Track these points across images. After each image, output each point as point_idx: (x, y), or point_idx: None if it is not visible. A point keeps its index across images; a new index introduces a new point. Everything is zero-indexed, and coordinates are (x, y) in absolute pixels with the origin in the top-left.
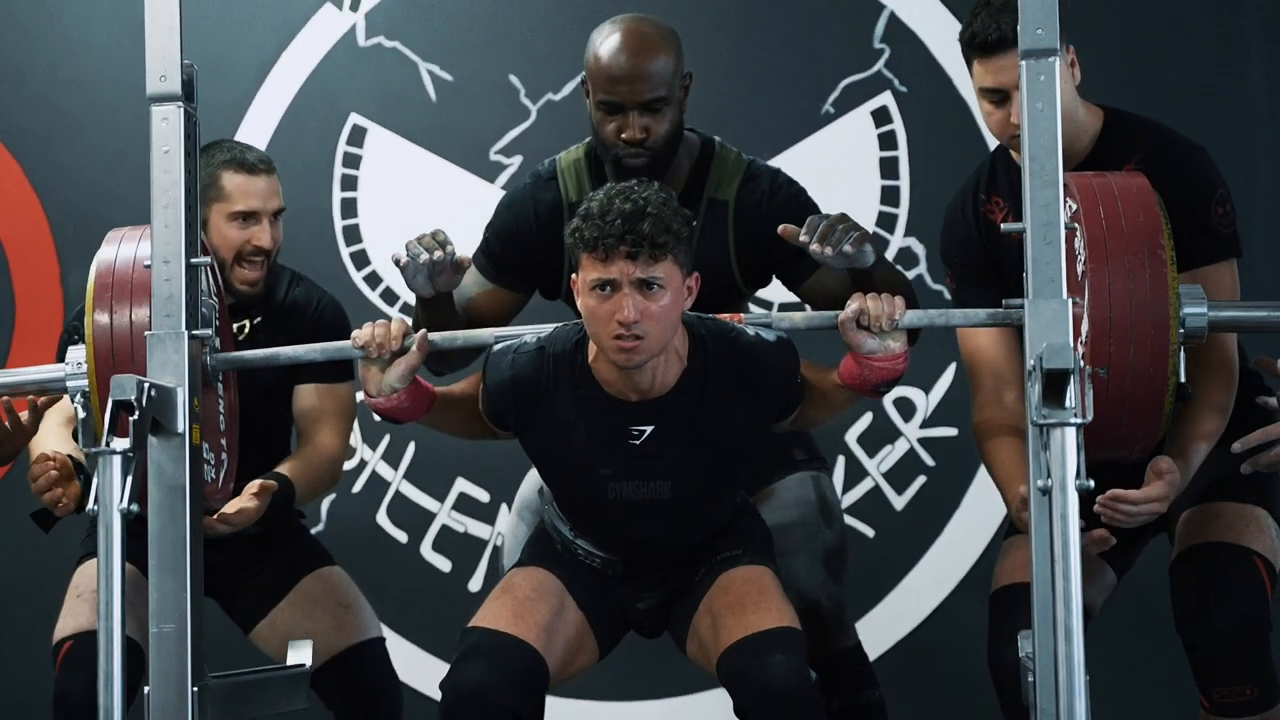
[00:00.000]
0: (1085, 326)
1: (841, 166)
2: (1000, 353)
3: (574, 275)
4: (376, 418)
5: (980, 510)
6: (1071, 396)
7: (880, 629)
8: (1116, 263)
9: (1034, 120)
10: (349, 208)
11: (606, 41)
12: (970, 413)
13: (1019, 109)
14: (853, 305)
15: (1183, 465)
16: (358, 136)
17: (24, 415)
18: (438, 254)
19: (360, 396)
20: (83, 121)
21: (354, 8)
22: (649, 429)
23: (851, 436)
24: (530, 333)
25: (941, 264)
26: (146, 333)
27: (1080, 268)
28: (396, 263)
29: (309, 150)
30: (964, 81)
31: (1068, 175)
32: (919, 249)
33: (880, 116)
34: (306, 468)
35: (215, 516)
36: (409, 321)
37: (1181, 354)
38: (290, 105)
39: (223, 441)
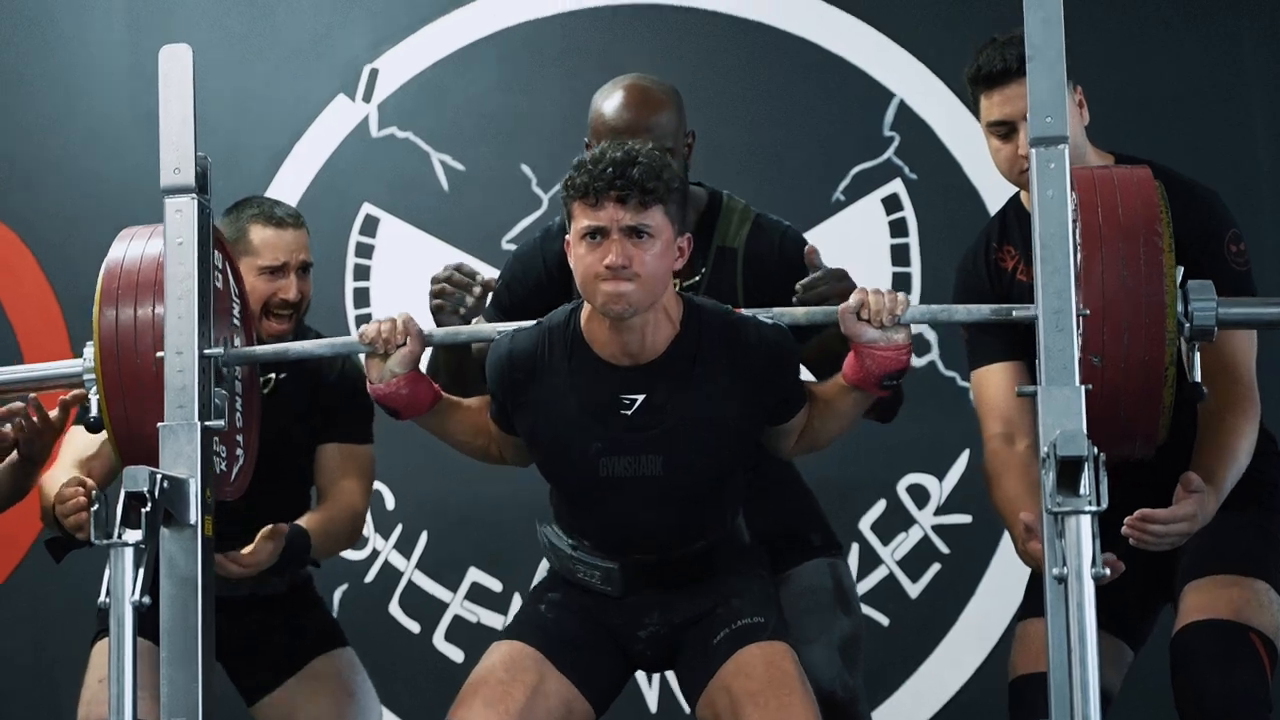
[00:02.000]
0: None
1: (853, 253)
2: (1012, 401)
3: (567, 238)
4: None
5: (996, 598)
6: (1086, 484)
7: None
8: (1111, 249)
9: (1044, 207)
10: (361, 297)
11: (610, 98)
12: (984, 498)
13: (1026, 139)
14: (854, 297)
15: (1211, 491)
16: (370, 226)
17: (53, 413)
18: (476, 291)
19: None
20: (97, 212)
21: (367, 99)
22: (640, 398)
23: (865, 524)
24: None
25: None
26: (160, 424)
27: (1076, 257)
28: (436, 306)
29: (322, 240)
30: (973, 168)
31: (1075, 174)
32: (930, 335)
33: (891, 203)
34: (326, 520)
35: (228, 557)
36: (412, 318)
37: (1196, 355)
38: (304, 195)
39: (238, 438)
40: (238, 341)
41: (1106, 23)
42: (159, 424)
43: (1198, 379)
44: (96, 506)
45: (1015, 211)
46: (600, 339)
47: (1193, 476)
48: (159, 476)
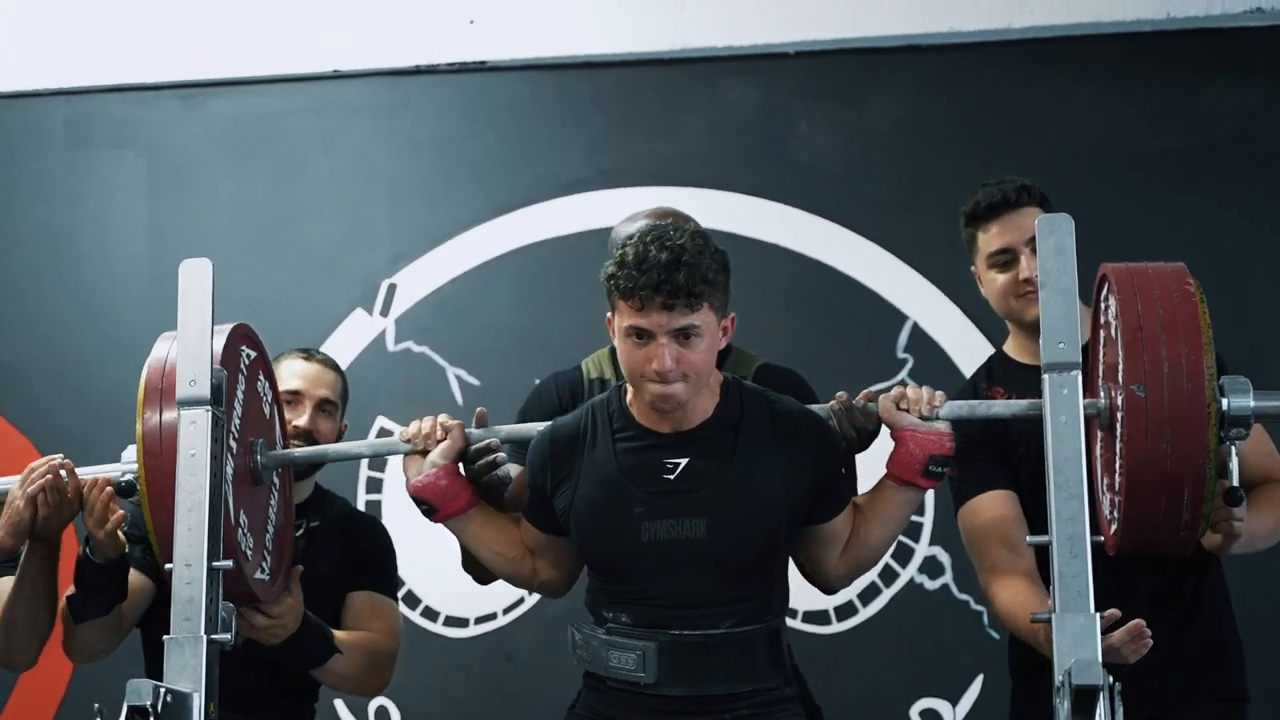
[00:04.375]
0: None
1: (868, 474)
2: (1010, 524)
3: (610, 315)
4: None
5: None
6: (1101, 714)
7: None
8: (1152, 346)
9: (1057, 432)
10: (372, 510)
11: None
12: None
13: (1030, 261)
14: (894, 391)
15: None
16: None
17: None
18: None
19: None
20: (116, 419)
21: (384, 313)
22: (683, 462)
23: None
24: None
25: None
26: (165, 637)
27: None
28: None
29: None
30: None
31: (1107, 268)
32: (944, 557)
33: None
34: (353, 637)
35: (254, 608)
36: (451, 418)
37: (1233, 456)
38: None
39: (267, 539)
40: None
41: None
42: (164, 636)
43: (1236, 483)
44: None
45: (1000, 363)
46: (643, 413)
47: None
48: (162, 690)
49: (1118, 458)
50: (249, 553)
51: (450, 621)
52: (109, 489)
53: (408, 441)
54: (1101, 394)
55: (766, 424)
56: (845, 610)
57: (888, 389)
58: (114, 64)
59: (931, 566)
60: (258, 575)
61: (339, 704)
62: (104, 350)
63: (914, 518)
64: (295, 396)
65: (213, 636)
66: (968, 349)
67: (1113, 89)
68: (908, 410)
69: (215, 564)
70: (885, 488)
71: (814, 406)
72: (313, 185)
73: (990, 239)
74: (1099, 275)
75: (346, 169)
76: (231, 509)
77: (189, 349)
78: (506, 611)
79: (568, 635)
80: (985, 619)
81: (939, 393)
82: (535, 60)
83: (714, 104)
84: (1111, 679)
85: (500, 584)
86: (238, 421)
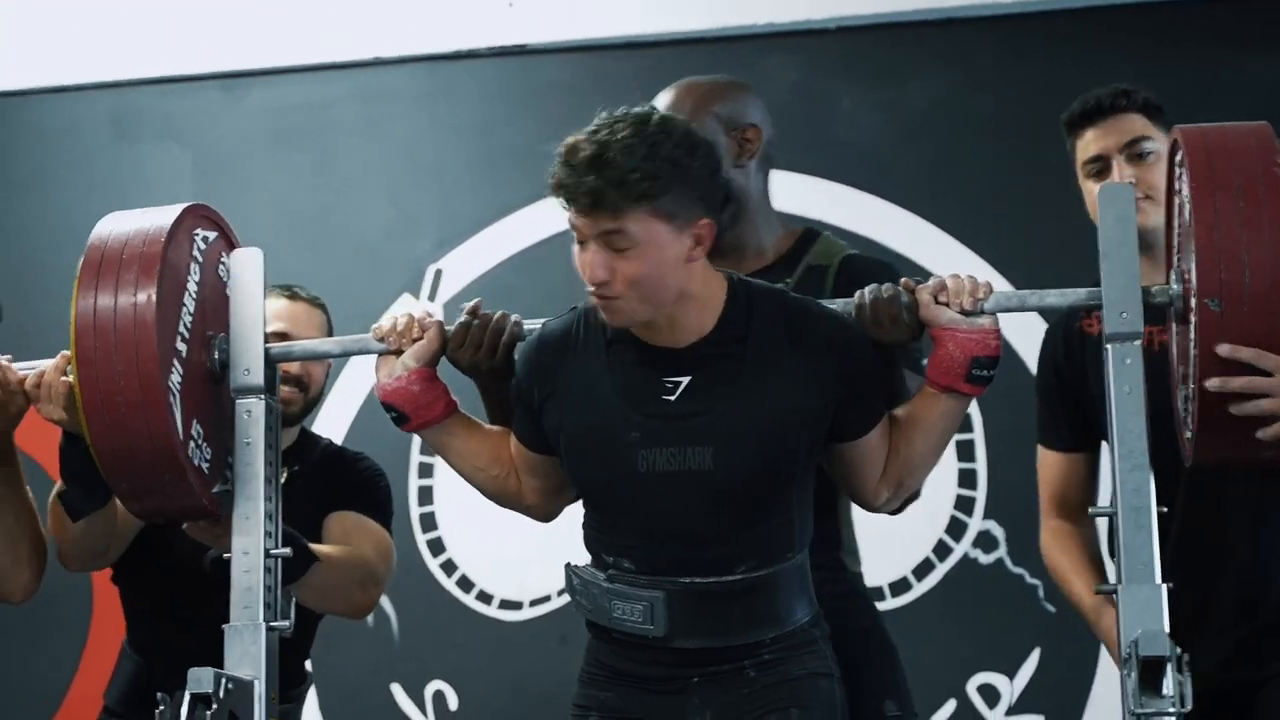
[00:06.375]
0: (1193, 262)
1: None
2: (1071, 492)
3: None
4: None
5: None
6: (1169, 685)
7: None
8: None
9: (1120, 403)
10: (425, 495)
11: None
12: (1056, 696)
13: (1123, 169)
14: (932, 282)
15: None
16: None
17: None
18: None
19: None
20: None
21: (431, 298)
22: (684, 380)
23: None
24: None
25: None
26: (225, 625)
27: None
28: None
29: (387, 438)
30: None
31: (1177, 130)
32: (998, 531)
33: None
34: (333, 549)
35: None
36: (431, 312)
37: None
38: (368, 393)
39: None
40: None
41: None
42: (224, 625)
43: None
44: (162, 708)
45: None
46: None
47: None
48: (223, 679)
49: (1192, 349)
50: (205, 466)
51: (505, 605)
52: (57, 362)
53: (381, 340)
54: (1173, 280)
55: (781, 331)
56: (899, 586)
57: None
58: (156, 56)
59: (986, 541)
60: (217, 489)
61: (396, 689)
62: None
63: (966, 492)
64: (282, 339)
65: (271, 624)
66: (1016, 328)
67: (1152, 59)
68: (947, 304)
69: (273, 551)
70: (925, 395)
71: (835, 302)
72: (356, 172)
73: (1085, 146)
74: (1170, 139)
75: (389, 156)
76: (179, 417)
77: (242, 338)
78: (561, 594)
79: (565, 575)
80: (1041, 592)
81: (984, 281)
82: (575, 42)
83: (755, 82)
84: (1179, 650)
85: (555, 567)
86: (189, 317)
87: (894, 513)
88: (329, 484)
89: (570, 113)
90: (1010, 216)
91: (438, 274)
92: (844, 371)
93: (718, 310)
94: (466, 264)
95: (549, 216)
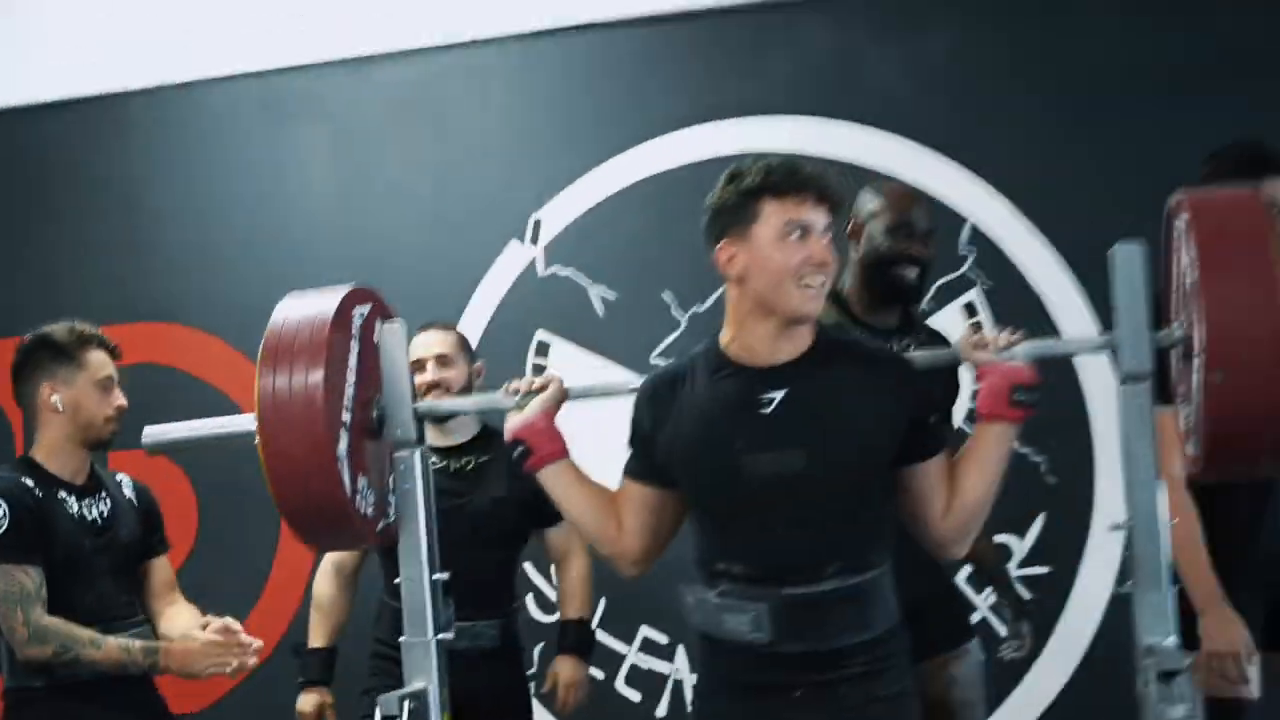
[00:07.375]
0: (1199, 334)
1: None
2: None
3: (721, 243)
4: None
5: (1069, 640)
6: (1184, 693)
7: None
8: (1226, 269)
9: (1129, 431)
10: None
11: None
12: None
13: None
14: (966, 333)
15: None
16: (543, 349)
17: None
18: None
19: None
20: None
21: (534, 242)
22: (779, 394)
23: (960, 578)
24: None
25: None
26: (400, 639)
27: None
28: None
29: (504, 361)
30: (1036, 276)
31: (1182, 193)
32: None
33: (969, 309)
34: (584, 592)
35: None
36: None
37: None
38: (488, 325)
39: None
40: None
41: None
42: (400, 639)
43: None
44: None
45: None
46: (741, 349)
47: None
48: (404, 699)
49: (1194, 392)
50: (369, 511)
51: None
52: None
53: (513, 394)
54: (1176, 327)
55: (859, 354)
56: None
57: (954, 280)
58: (295, 46)
59: None
60: (380, 526)
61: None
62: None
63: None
64: (419, 363)
65: (438, 638)
66: (1021, 244)
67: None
68: (985, 348)
69: (435, 577)
70: (976, 430)
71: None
72: (466, 139)
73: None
74: (1172, 204)
75: (491, 123)
76: (347, 477)
77: (395, 399)
78: None
79: (681, 598)
80: (1042, 468)
81: (1016, 334)
82: (640, 16)
83: (793, 43)
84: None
85: None
86: (350, 389)
87: (964, 560)
88: (515, 483)
89: (639, 78)
90: (1026, 152)
91: (538, 222)
92: (914, 399)
93: (811, 334)
94: (561, 212)
95: (627, 167)
